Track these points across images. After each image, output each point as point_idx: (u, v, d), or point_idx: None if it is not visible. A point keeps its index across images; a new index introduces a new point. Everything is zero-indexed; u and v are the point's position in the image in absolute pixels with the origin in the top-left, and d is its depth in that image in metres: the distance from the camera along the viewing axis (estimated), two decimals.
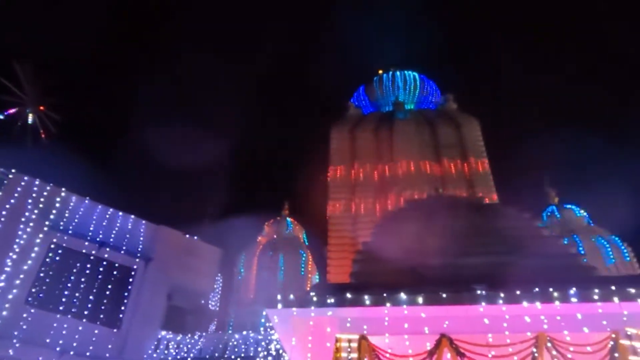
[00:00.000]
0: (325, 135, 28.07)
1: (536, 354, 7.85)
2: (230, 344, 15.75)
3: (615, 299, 8.05)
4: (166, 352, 15.92)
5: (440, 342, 8.30)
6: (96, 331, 15.14)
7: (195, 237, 19.91)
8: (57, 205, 15.97)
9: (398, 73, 31.00)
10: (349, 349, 8.48)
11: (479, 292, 8.38)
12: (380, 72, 31.74)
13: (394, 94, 30.42)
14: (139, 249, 17.12)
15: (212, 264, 19.91)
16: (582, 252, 18.32)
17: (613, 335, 7.99)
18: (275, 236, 22.94)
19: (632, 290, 8.13)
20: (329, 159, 26.21)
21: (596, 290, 8.16)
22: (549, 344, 7.91)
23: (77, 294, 15.33)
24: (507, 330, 8.29)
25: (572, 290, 8.17)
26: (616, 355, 7.78)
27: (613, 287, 8.21)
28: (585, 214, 21.08)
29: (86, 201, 16.66)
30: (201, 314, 20.18)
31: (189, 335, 16.28)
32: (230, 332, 16.85)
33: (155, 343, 16.11)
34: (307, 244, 23.36)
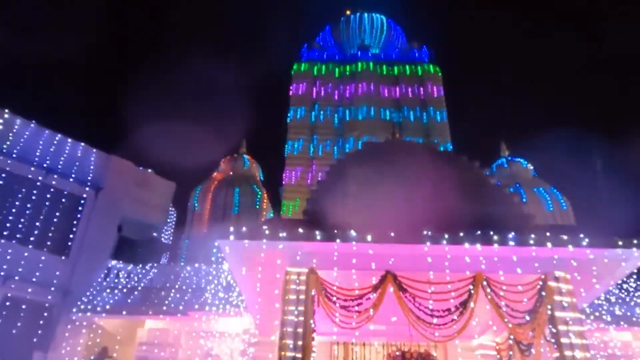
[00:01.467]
0: (287, 75, 27.58)
1: (472, 291, 8.40)
2: (182, 275, 15.92)
3: (549, 244, 8.62)
4: (116, 280, 15.94)
5: (385, 277, 8.72)
6: (43, 258, 14.91)
7: (150, 170, 19.55)
8: (0, 127, 15.16)
9: (366, 15, 30.34)
10: (297, 281, 8.78)
11: (425, 232, 8.76)
12: (348, 12, 30.95)
13: (360, 36, 29.88)
14: (89, 178, 16.67)
15: (165, 198, 19.74)
16: (525, 200, 19.40)
17: (543, 277, 8.63)
18: (231, 173, 22.81)
19: (564, 237, 8.71)
20: (289, 99, 25.92)
21: (532, 236, 8.70)
22: (484, 283, 8.46)
23: (22, 220, 14.92)
24: (448, 269, 8.79)
25: (511, 235, 8.67)
26: (543, 294, 8.45)
27: (547, 234, 8.77)
28: (531, 167, 22.11)
29: (32, 125, 15.88)
30: (153, 247, 20.18)
31: (140, 266, 16.31)
32: (182, 264, 16.99)
33: (105, 272, 16.08)
34: (263, 181, 23.44)
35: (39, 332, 14.27)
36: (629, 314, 14.27)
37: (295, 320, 8.43)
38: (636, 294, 14.65)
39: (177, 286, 15.62)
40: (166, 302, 15.04)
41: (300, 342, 8.28)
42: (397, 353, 11.27)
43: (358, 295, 8.42)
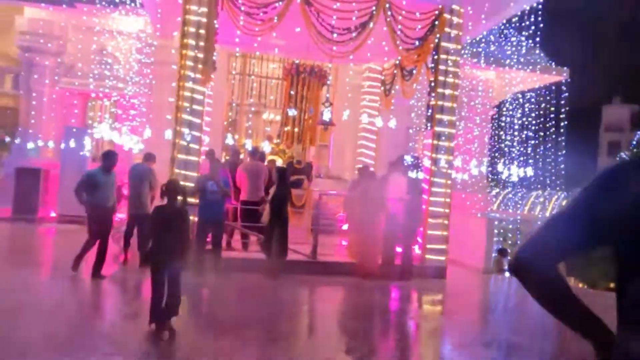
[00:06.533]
0: None
1: (374, 12, 8.72)
2: None
3: None
4: None
5: None
6: None
7: None
8: None
9: None
10: None
11: None
12: None
13: None
14: None
15: None
16: None
17: (440, 7, 9.14)
18: None
19: None
20: None
21: None
22: (387, 6, 8.77)
23: None
24: None
25: None
26: (436, 23, 9.10)
27: None
28: None
29: None
30: None
31: None
32: None
33: None
34: None
35: None
36: (500, 56, 16.11)
37: (197, 20, 8.32)
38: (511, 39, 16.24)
39: None
40: None
41: (202, 43, 8.38)
42: (293, 66, 12.02)
43: (264, 3, 8.34)
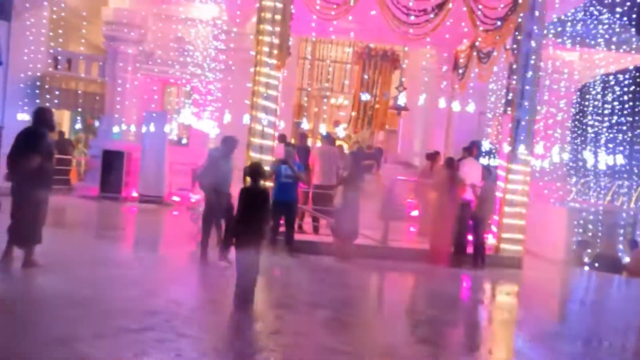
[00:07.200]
0: None
1: None
2: None
3: None
4: None
5: None
6: None
7: None
8: None
9: None
10: None
11: None
12: None
13: None
14: None
15: None
16: None
17: None
18: None
19: None
20: None
21: None
22: None
23: None
24: None
25: None
26: (519, 1, 8.62)
27: None
28: None
29: None
30: None
31: None
32: None
33: None
34: None
35: None
36: (585, 36, 15.04)
37: (273, 6, 8.41)
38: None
39: None
40: None
41: (277, 29, 8.48)
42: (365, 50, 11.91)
43: None
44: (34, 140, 5.77)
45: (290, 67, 13.24)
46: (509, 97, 9.14)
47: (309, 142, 12.88)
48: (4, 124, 10.92)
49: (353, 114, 13.94)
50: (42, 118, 6.02)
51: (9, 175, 5.82)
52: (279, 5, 8.40)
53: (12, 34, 13.42)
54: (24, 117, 13.56)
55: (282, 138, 9.51)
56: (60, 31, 15.02)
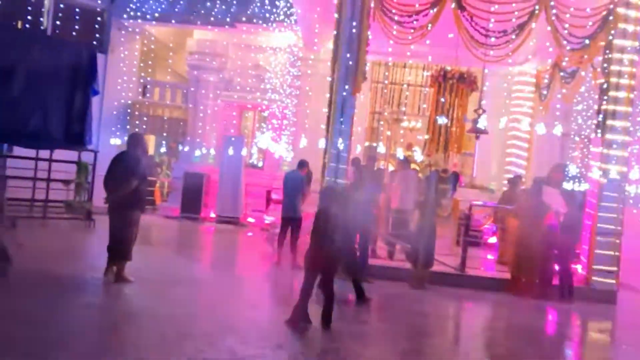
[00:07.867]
0: None
1: (535, 12, 8.12)
2: None
3: None
4: None
5: None
6: None
7: None
8: None
9: None
10: None
11: None
12: None
13: None
14: None
15: None
16: None
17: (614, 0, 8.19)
18: None
19: None
20: None
21: None
22: (551, 3, 8.10)
23: None
24: None
25: None
26: (610, 18, 8.16)
27: None
28: None
29: None
30: None
31: None
32: None
33: None
34: None
35: (96, 35, 14.93)
36: None
37: (349, 32, 8.52)
38: None
39: None
40: (213, 12, 15.08)
41: (354, 54, 8.57)
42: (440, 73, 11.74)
43: (416, 11, 8.28)
44: (132, 164, 6.17)
45: (363, 90, 13.35)
46: (600, 119, 8.59)
47: (381, 164, 12.79)
48: (99, 148, 11.82)
49: (427, 137, 13.70)
50: (138, 143, 6.46)
51: (108, 198, 6.24)
52: (355, 31, 8.52)
53: (108, 65, 14.60)
54: (116, 142, 14.66)
55: (356, 162, 9.52)
56: (149, 62, 16.18)
